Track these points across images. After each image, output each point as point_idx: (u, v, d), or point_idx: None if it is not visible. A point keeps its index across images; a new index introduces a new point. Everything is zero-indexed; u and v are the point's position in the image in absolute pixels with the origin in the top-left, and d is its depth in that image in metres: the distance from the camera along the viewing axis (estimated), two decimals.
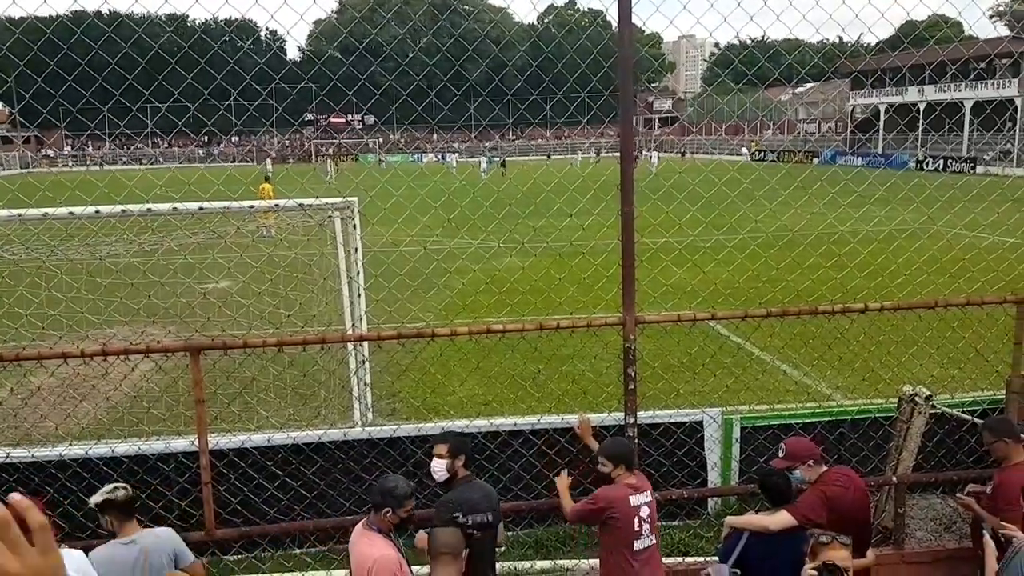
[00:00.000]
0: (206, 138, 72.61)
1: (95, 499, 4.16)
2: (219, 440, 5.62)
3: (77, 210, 7.02)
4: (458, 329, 5.30)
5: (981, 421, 5.98)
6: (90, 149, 75.10)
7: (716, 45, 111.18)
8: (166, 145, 73.20)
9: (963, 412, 6.74)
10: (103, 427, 8.52)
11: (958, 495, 5.54)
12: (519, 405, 8.96)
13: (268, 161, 51.47)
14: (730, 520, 4.90)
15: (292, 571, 5.64)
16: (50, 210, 7.04)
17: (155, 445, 5.75)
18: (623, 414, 5.37)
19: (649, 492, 4.59)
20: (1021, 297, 5.73)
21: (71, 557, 3.66)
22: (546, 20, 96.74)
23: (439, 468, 4.48)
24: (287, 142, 78.28)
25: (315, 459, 5.72)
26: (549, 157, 66.76)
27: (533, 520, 6.21)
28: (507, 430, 6.06)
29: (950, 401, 7.06)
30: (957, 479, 6.28)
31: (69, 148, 77.19)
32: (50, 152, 73.92)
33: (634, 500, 4.44)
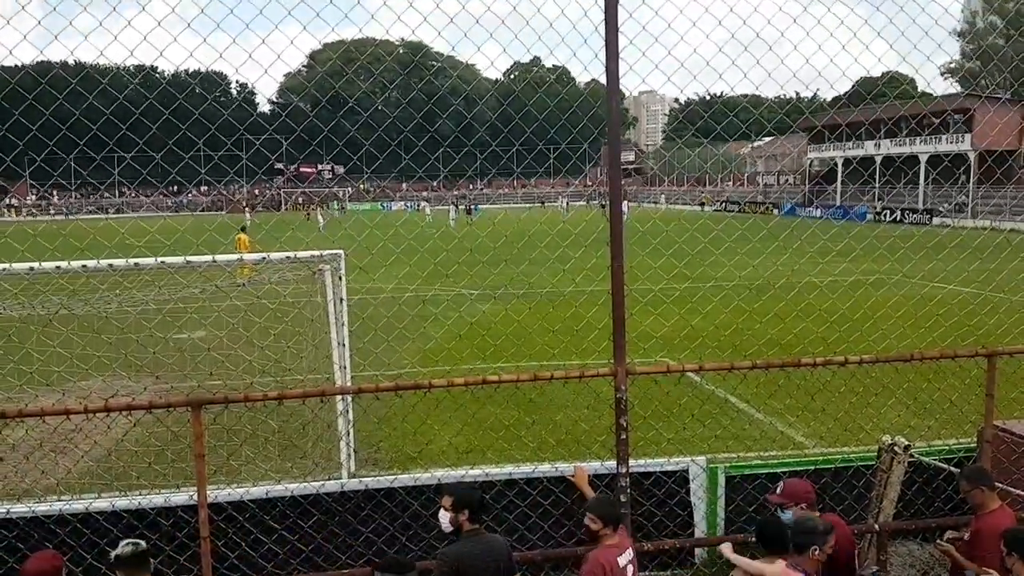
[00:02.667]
0: (175, 188, 72.27)
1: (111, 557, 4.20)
2: (217, 493, 5.61)
3: (38, 265, 7.00)
4: (454, 380, 5.40)
5: (958, 470, 6.18)
6: (55, 198, 74.28)
7: (676, 100, 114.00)
8: (133, 195, 72.64)
9: (939, 461, 6.94)
10: (99, 481, 8.40)
11: (938, 542, 5.68)
12: (501, 453, 9.01)
13: (247, 211, 51.39)
14: (731, 556, 4.94)
15: None
16: (6, 265, 7.02)
17: (154, 500, 5.70)
18: (616, 464, 5.47)
19: (631, 549, 4.63)
20: (991, 351, 6.00)
21: None
22: (511, 76, 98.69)
23: (444, 520, 4.50)
24: (256, 191, 78.21)
25: (312, 512, 5.72)
26: (543, 204, 67.38)
27: (528, 572, 6.23)
28: (502, 479, 6.12)
29: (927, 450, 7.27)
30: (936, 526, 6.44)
31: (33, 198, 76.26)
32: (14, 201, 72.95)
33: (621, 560, 4.51)
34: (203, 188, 79.44)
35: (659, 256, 15.24)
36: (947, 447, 7.39)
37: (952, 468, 6.53)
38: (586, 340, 12.32)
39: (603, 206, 52.29)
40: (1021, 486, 6.22)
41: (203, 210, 65.59)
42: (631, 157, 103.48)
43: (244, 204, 62.71)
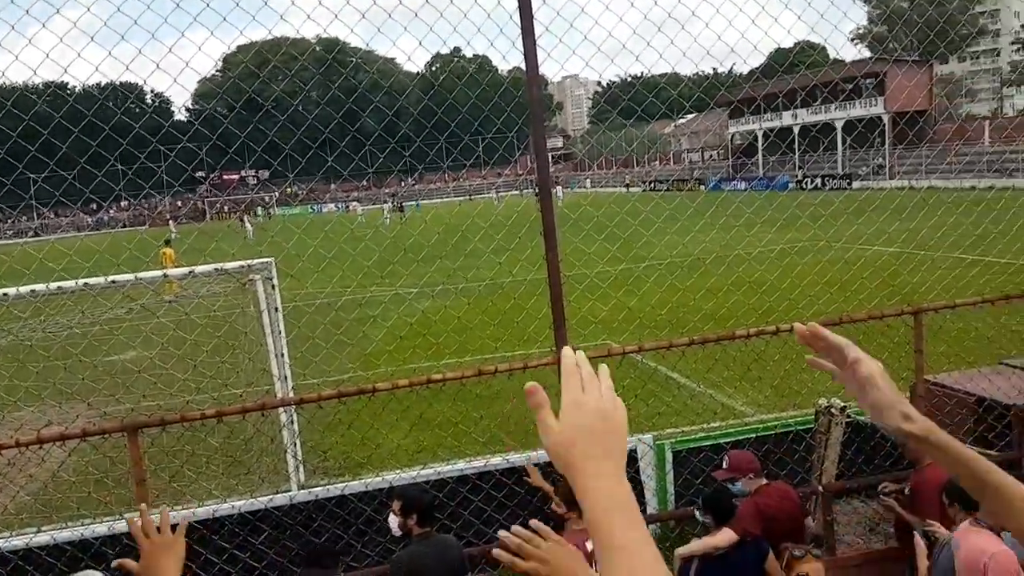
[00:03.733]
0: (94, 206, 69.85)
1: None
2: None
3: None
4: (398, 382, 5.34)
5: None
6: None
7: (598, 84, 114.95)
8: (52, 216, 69.94)
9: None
10: (38, 515, 8.10)
11: (881, 498, 5.89)
12: (452, 451, 8.99)
13: (171, 224, 50.10)
14: (679, 552, 5.05)
15: None
16: None
17: (98, 529, 5.51)
18: None
19: None
20: (916, 308, 6.20)
21: None
22: (433, 68, 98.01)
23: (393, 525, 4.47)
24: (179, 203, 76.13)
25: (262, 527, 5.61)
26: (470, 197, 67.34)
27: (487, 566, 6.24)
28: (454, 476, 6.10)
29: (862, 409, 7.51)
30: (877, 483, 6.67)
31: None
32: None
33: (589, 545, 4.54)
34: (123, 204, 77.00)
35: (592, 241, 15.35)
36: None
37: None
38: (528, 331, 12.37)
39: (536, 194, 52.16)
40: (955, 437, 6.47)
41: (124, 226, 63.59)
42: (559, 143, 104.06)
43: (167, 217, 61.09)
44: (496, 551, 1.55)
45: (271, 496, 6.04)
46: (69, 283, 7.54)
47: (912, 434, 1.56)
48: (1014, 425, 6.22)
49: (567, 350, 1.27)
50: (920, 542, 4.77)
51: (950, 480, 4.90)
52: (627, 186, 67.68)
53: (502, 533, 1.53)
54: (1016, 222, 14.82)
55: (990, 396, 6.46)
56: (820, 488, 6.64)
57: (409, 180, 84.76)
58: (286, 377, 8.51)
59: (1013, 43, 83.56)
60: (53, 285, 7.32)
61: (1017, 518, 1.50)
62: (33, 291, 7.35)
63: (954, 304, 6.18)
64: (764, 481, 5.05)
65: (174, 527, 2.01)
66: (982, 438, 6.39)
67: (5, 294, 7.16)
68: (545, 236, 5.45)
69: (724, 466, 5.10)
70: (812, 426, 6.84)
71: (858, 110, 55.64)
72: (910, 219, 19.70)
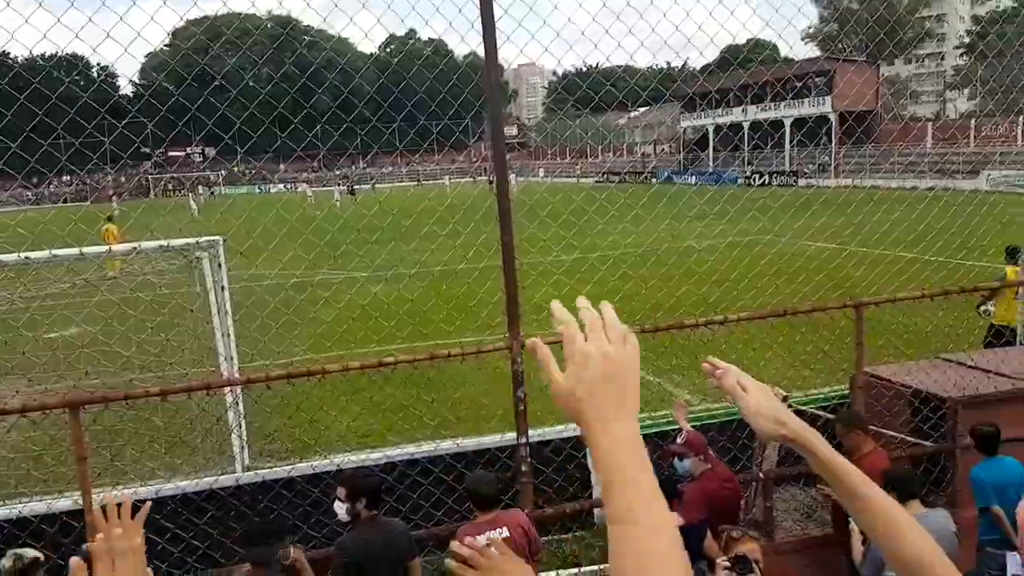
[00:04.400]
0: (35, 179, 67.63)
1: None
2: (103, 496, 5.33)
3: None
4: (349, 364, 5.32)
5: (832, 416, 6.61)
6: None
7: (554, 72, 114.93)
8: None
9: (816, 409, 7.38)
10: None
11: (819, 486, 6.06)
12: (402, 435, 8.97)
13: (114, 200, 48.79)
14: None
15: None
16: None
17: (36, 507, 5.37)
18: (516, 435, 5.55)
19: (506, 527, 4.52)
20: (858, 301, 6.38)
21: None
22: (388, 49, 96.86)
23: (340, 511, 4.44)
24: (123, 178, 74.13)
25: (206, 508, 5.54)
26: (419, 182, 66.96)
27: (435, 548, 6.25)
28: (404, 460, 6.10)
29: (803, 399, 7.71)
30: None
31: None
32: None
33: (481, 539, 4.51)
34: (65, 178, 74.66)
35: (547, 228, 15.40)
36: (823, 395, 7.84)
37: (828, 414, 6.95)
38: (480, 316, 12.37)
39: (491, 181, 52.23)
40: (893, 428, 6.70)
41: (66, 201, 61.69)
42: (514, 131, 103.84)
43: (110, 193, 59.45)
44: (448, 561, 1.57)
45: (216, 477, 5.96)
46: (10, 256, 7.32)
47: (785, 436, 1.62)
48: (948, 417, 6.45)
49: (556, 304, 1.25)
50: (855, 528, 4.93)
51: (888, 469, 5.07)
52: (579, 177, 68.02)
53: (454, 543, 1.55)
54: (955, 221, 15.29)
55: (927, 389, 6.67)
56: (761, 475, 6.81)
57: (362, 163, 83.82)
58: (232, 357, 8.40)
59: (957, 47, 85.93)
60: None
61: (884, 535, 1.56)
62: None
63: (895, 298, 6.36)
64: (709, 466, 5.16)
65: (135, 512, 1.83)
66: (918, 428, 6.60)
67: None
68: (500, 220, 5.46)
69: (679, 440, 5.19)
70: None
71: (807, 108, 56.65)
72: (853, 215, 20.18)
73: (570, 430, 7.00)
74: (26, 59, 64.27)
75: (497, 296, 5.50)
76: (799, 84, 55.86)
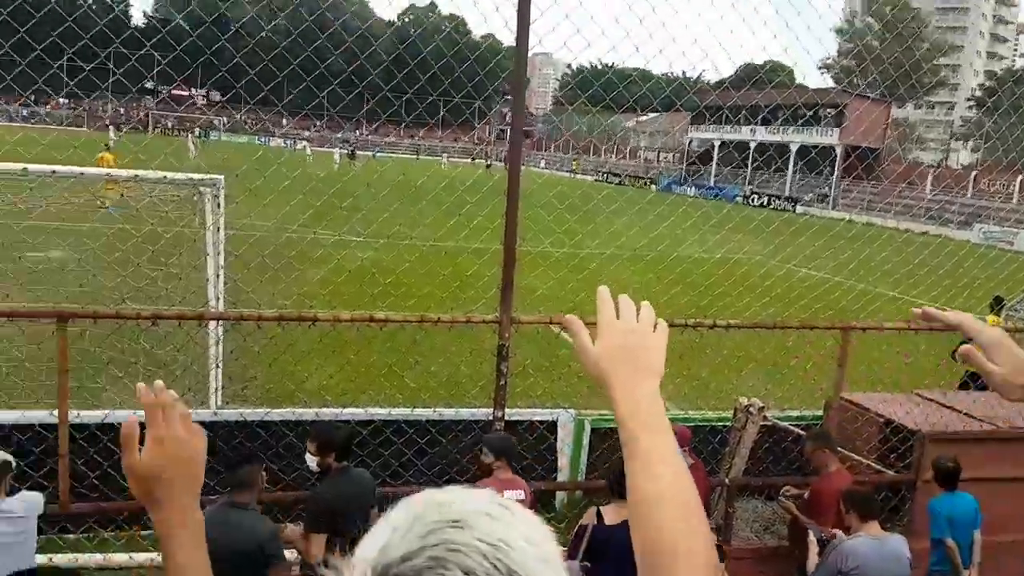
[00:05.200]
0: (32, 97, 66.75)
1: None
2: (81, 413, 5.35)
3: None
4: (340, 315, 5.37)
5: (804, 433, 6.73)
6: None
7: (568, 66, 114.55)
8: None
9: (790, 424, 7.50)
10: None
11: (780, 499, 6.18)
12: (378, 395, 9.00)
13: (111, 129, 48.29)
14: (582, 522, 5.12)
15: (148, 551, 5.45)
16: None
17: (9, 415, 5.38)
18: (492, 408, 5.62)
19: (523, 491, 4.72)
20: (846, 324, 6.50)
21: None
22: (406, 19, 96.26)
23: (311, 462, 4.50)
24: (122, 110, 73.32)
25: None
26: (418, 156, 66.71)
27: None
28: (381, 419, 6.15)
29: (779, 415, 7.83)
30: (782, 484, 6.98)
31: None
32: None
33: (513, 494, 4.64)
34: (64, 100, 73.70)
35: (538, 220, 15.45)
36: (797, 413, 7.97)
37: (800, 431, 7.08)
38: (465, 295, 12.42)
39: (488, 166, 52.34)
40: (860, 453, 6.84)
41: (60, 124, 60.98)
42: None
43: (107, 122, 58.77)
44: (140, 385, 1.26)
45: (195, 410, 5.98)
46: (8, 165, 7.27)
47: None
48: (915, 449, 6.58)
49: (602, 288, 1.35)
50: (813, 540, 5.05)
51: (848, 489, 5.19)
52: (574, 172, 67.93)
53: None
54: (942, 267, 15.49)
55: (898, 419, 6.79)
56: (727, 480, 6.92)
57: (365, 129, 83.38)
58: (219, 298, 8.38)
59: (968, 99, 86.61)
60: None
61: None
62: None
63: (882, 327, 6.49)
64: (691, 462, 5.26)
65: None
66: (884, 457, 6.73)
67: None
68: (508, 196, 5.51)
69: None
70: (730, 422, 7.10)
71: (814, 137, 56.93)
72: (845, 248, 20.38)
73: (542, 414, 7.08)
74: None
75: (485, 278, 5.59)
76: (809, 112, 56.09)
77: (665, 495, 1.13)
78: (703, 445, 7.25)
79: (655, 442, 1.18)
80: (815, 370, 8.41)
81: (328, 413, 6.08)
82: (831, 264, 19.79)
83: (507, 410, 6.01)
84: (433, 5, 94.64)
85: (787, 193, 55.63)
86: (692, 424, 7.51)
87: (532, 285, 13.50)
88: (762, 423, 6.90)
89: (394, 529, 0.81)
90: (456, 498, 0.83)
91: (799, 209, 49.54)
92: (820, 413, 7.50)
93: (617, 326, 1.30)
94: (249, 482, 3.96)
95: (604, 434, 7.39)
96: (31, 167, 7.22)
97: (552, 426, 7.02)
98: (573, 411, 7.41)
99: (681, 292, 13.60)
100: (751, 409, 6.90)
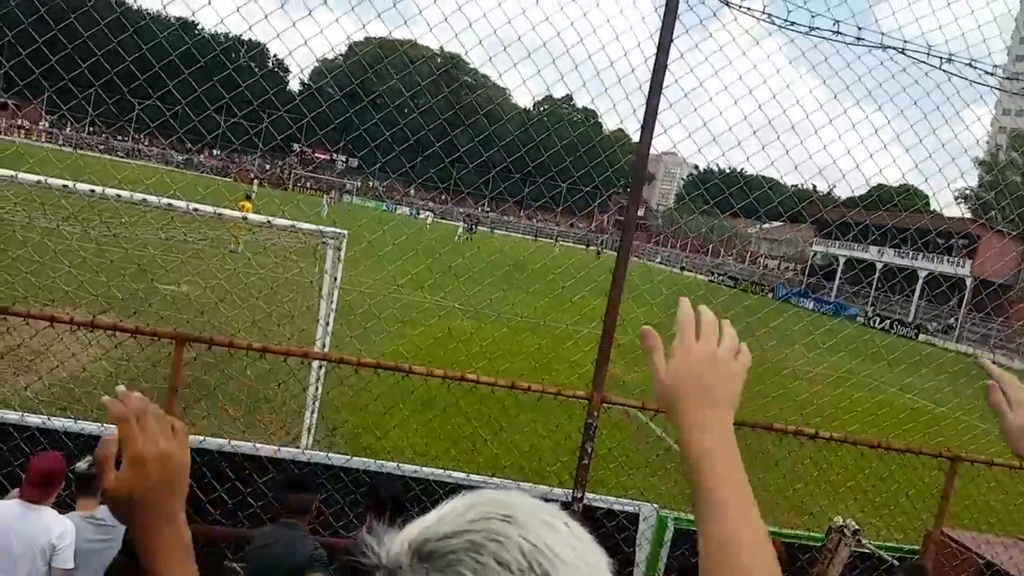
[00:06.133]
0: (190, 144, 72.37)
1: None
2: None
3: (45, 180, 6.94)
4: (434, 371, 5.45)
5: (898, 563, 6.29)
6: (68, 129, 73.73)
7: (695, 167, 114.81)
8: (146, 142, 72.42)
9: (885, 553, 7.02)
10: (61, 400, 8.38)
11: None
12: (455, 461, 9.00)
13: (254, 182, 51.94)
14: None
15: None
16: (13, 174, 6.97)
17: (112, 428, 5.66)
18: (572, 488, 5.53)
19: None
20: (954, 454, 6.11)
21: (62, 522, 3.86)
22: (542, 109, 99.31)
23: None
24: (268, 165, 78.16)
25: (269, 470, 5.70)
26: (536, 238, 68.47)
27: None
28: (456, 482, 6.14)
29: (874, 542, 7.34)
30: None
31: (46, 124, 75.38)
32: (25, 123, 72.29)
33: None
34: (215, 152, 79.21)
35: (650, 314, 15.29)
36: (894, 543, 7.48)
37: (894, 560, 6.63)
38: (556, 369, 12.36)
39: (598, 253, 52.84)
40: None
41: (207, 173, 65.53)
42: (640, 212, 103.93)
43: (251, 176, 62.75)
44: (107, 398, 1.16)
45: (278, 447, 6.14)
46: (154, 198, 7.84)
47: None
48: None
49: (684, 301, 1.27)
50: None
51: None
52: (682, 268, 67.22)
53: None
54: None
55: (1000, 563, 6.32)
56: None
57: (486, 205, 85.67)
58: (324, 345, 8.69)
59: None
60: (138, 196, 7.60)
61: None
62: (119, 196, 7.66)
63: (992, 462, 6.08)
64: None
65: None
66: None
67: (93, 190, 7.46)
68: (615, 274, 5.55)
69: None
70: (821, 541, 6.72)
71: (945, 267, 54.64)
72: (967, 385, 19.22)
73: (622, 503, 6.88)
74: (209, 35, 69.32)
75: (576, 357, 5.57)
76: (943, 243, 53.98)
77: (733, 533, 1.12)
78: (791, 561, 6.86)
79: (716, 472, 1.13)
80: (915, 499, 7.88)
81: (409, 469, 6.11)
82: (954, 400, 18.70)
83: (588, 494, 5.90)
84: (569, 97, 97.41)
85: (912, 319, 53.26)
86: (785, 539, 7.14)
87: (626, 372, 13.35)
88: (856, 545, 6.49)
89: (448, 511, 0.82)
90: (519, 501, 0.84)
91: (922, 337, 47.24)
92: (915, 547, 7.02)
93: (694, 349, 1.21)
94: (302, 508, 4.14)
95: (686, 534, 7.10)
96: (175, 203, 7.78)
97: (633, 518, 6.80)
98: (656, 505, 7.17)
99: (789, 396, 13.09)
100: (846, 530, 6.52)
